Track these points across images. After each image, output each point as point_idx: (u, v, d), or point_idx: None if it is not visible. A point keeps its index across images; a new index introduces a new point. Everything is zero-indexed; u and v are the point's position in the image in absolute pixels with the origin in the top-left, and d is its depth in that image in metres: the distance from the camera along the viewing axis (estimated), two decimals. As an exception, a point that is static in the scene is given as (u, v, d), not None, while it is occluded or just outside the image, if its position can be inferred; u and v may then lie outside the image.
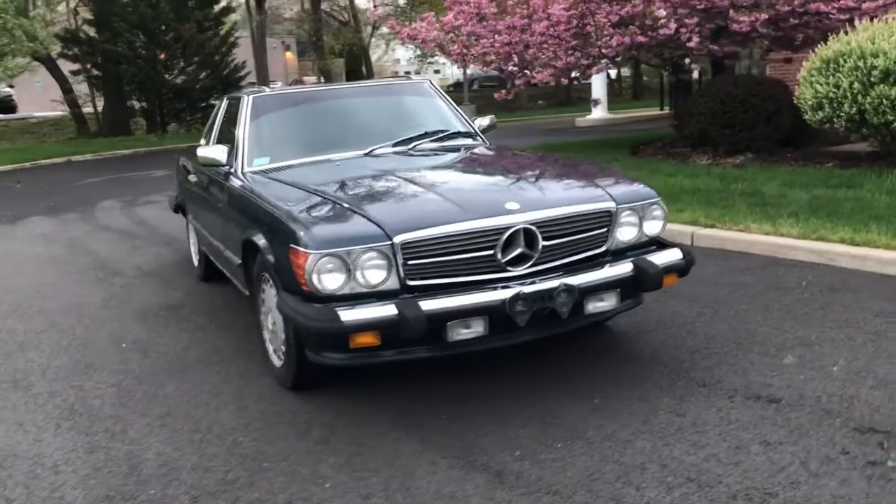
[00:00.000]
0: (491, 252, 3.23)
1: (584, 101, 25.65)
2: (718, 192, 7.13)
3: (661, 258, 3.55)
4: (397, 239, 3.14)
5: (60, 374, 4.14)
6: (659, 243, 3.74)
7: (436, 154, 4.54)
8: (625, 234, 3.59)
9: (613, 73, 27.83)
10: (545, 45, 10.08)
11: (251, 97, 4.84)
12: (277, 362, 3.76)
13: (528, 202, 3.40)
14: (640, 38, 9.44)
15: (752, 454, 2.83)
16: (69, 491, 2.89)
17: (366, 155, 4.43)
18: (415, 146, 4.55)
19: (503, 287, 3.20)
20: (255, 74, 28.28)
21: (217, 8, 25.65)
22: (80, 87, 25.89)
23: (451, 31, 11.13)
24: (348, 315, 3.02)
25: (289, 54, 42.33)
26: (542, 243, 3.30)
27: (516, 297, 3.13)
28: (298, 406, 3.52)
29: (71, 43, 23.99)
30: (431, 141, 4.67)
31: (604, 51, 9.84)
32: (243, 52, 27.41)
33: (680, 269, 3.62)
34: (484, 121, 5.20)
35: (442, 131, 4.78)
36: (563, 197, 3.59)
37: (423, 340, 3.17)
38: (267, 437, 3.24)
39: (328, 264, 3.08)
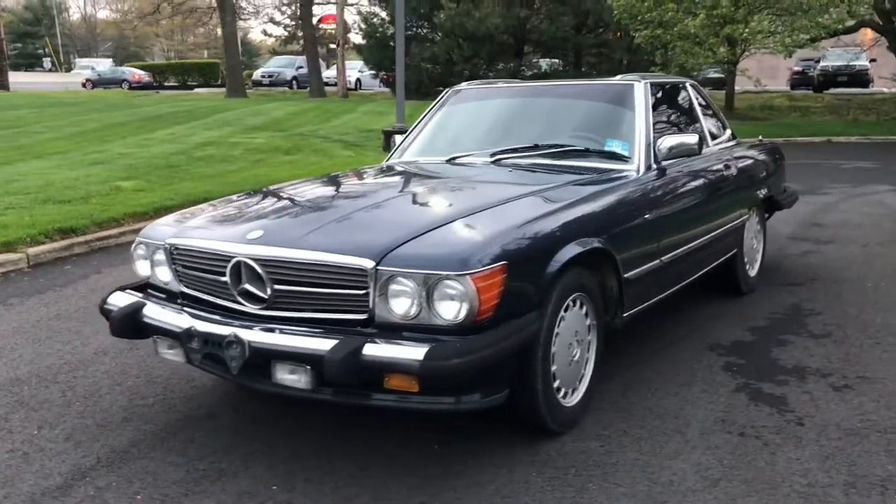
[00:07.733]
0: (225, 279, 2.91)
1: None
2: None
3: (382, 350, 2.49)
4: (168, 241, 3.15)
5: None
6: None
7: (494, 171, 3.88)
8: (398, 306, 2.60)
9: None
10: None
11: (456, 89, 4.79)
12: None
13: (272, 235, 2.88)
14: None
15: None
16: None
17: (446, 162, 4.08)
18: (500, 160, 3.92)
19: (221, 322, 2.81)
20: None
21: None
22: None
23: None
24: (111, 300, 3.21)
25: None
26: (271, 286, 2.77)
27: (188, 332, 2.80)
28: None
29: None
30: (538, 156, 3.91)
31: None
32: None
33: (412, 373, 2.44)
34: (670, 140, 3.79)
35: (557, 146, 3.91)
36: (320, 240, 2.78)
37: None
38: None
39: (138, 250, 3.29)
